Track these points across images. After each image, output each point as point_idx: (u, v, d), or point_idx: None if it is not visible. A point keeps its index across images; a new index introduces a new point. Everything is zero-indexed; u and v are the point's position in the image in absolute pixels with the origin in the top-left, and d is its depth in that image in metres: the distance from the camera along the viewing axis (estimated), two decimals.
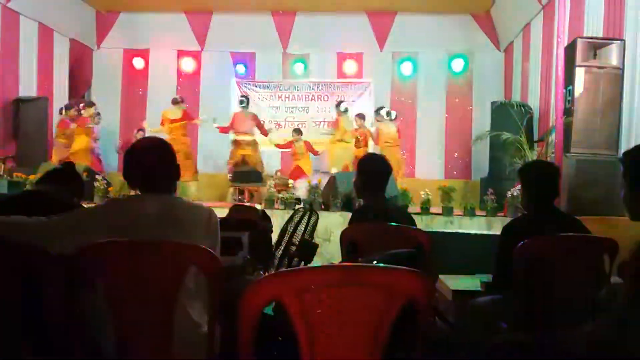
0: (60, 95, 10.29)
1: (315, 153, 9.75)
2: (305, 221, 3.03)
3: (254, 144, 9.39)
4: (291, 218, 3.12)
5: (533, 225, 2.78)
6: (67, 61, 10.68)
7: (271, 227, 3.12)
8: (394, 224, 2.91)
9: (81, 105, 9.34)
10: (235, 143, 9.39)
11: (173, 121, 9.18)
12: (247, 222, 2.85)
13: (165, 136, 9.05)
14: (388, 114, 9.43)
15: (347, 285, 1.38)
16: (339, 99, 10.07)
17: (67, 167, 2.88)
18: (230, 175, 8.90)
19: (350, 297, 1.39)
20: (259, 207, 6.42)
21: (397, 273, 1.43)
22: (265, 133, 9.65)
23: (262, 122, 9.79)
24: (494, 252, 2.85)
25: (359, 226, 2.91)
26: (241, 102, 9.54)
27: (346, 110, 9.58)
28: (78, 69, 11.11)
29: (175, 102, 9.31)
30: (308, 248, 2.95)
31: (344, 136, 9.37)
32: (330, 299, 1.38)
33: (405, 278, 1.42)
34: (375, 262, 2.25)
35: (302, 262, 2.92)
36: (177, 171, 2.24)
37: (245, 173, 8.75)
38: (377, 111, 9.54)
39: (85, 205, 2.87)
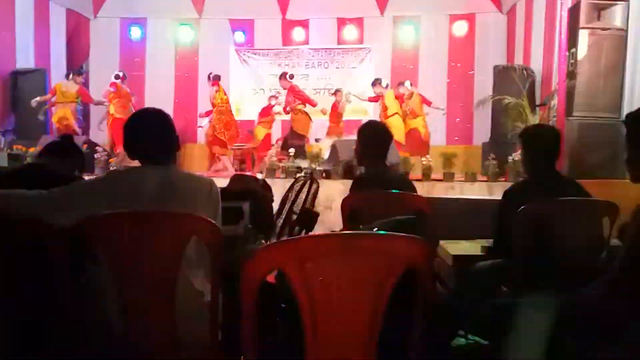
0: (57, 67, 10.21)
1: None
2: (306, 190, 3.03)
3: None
4: (292, 187, 3.12)
5: (534, 189, 2.78)
6: (64, 32, 10.58)
7: (272, 196, 3.13)
8: (394, 191, 2.92)
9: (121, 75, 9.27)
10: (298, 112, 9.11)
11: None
12: (248, 191, 2.86)
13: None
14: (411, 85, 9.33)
15: (348, 253, 1.39)
16: (376, 78, 9.68)
17: (66, 139, 2.88)
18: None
19: (351, 264, 1.40)
20: (260, 176, 6.44)
21: (397, 240, 1.44)
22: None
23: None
24: (495, 217, 2.86)
25: (360, 194, 2.91)
26: (291, 76, 9.31)
27: (387, 85, 9.36)
28: (75, 39, 11.00)
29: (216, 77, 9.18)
30: (309, 217, 2.95)
31: (393, 110, 9.09)
32: (330, 267, 1.39)
33: (405, 244, 1.43)
34: (375, 229, 2.26)
35: (303, 231, 2.93)
36: (177, 142, 2.23)
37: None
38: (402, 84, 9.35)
39: (85, 178, 2.88)
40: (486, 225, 2.99)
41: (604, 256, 2.69)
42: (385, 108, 9.09)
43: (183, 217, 1.89)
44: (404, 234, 1.43)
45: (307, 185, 3.06)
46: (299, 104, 8.96)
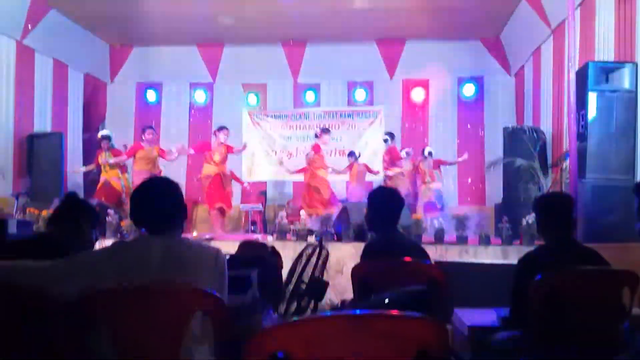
0: (74, 130, 10.41)
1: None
2: (315, 258, 2.98)
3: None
4: (301, 254, 3.07)
5: (550, 257, 2.71)
6: (82, 96, 10.85)
7: (281, 263, 3.07)
8: (406, 258, 2.85)
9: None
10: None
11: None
12: (256, 259, 2.81)
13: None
14: (430, 153, 9.47)
15: (356, 336, 1.33)
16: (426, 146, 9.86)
17: (70, 199, 2.84)
18: None
19: (360, 346, 1.33)
20: (270, 238, 6.39)
21: (408, 321, 1.37)
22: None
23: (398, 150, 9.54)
24: (511, 285, 2.77)
25: (370, 262, 2.85)
26: (385, 140, 9.42)
27: (430, 153, 9.47)
28: (92, 103, 11.27)
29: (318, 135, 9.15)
30: (318, 286, 2.88)
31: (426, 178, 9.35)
32: (338, 349, 1.33)
33: (416, 326, 1.36)
34: (386, 300, 2.19)
35: (312, 302, 2.86)
36: (184, 211, 2.21)
37: None
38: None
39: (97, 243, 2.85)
40: (502, 291, 2.90)
41: (626, 327, 2.59)
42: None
43: (187, 291, 1.84)
44: (414, 314, 1.37)
45: (316, 253, 3.01)
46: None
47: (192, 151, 9.10)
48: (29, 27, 8.89)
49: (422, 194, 9.22)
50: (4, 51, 8.68)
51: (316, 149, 9.07)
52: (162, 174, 8.37)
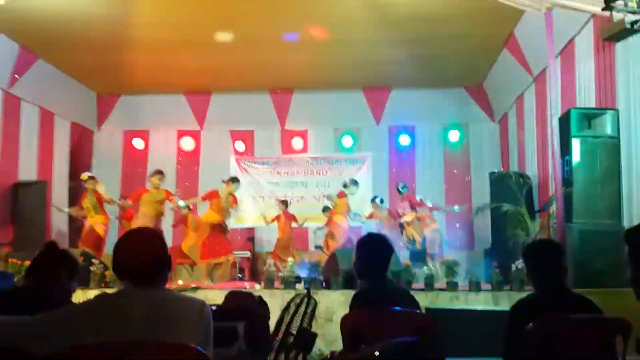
0: (60, 178, 10.30)
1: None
2: (303, 308, 2.91)
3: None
4: (288, 305, 3.00)
5: (541, 306, 2.67)
6: (68, 144, 10.81)
7: (269, 313, 3.00)
8: (396, 307, 2.80)
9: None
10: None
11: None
12: (243, 310, 2.74)
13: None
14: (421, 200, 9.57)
15: None
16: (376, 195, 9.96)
17: (50, 249, 2.75)
18: None
19: None
20: (258, 287, 6.28)
21: None
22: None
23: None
24: (502, 333, 2.72)
25: (360, 312, 2.79)
26: (402, 188, 9.60)
27: (382, 201, 9.64)
28: (78, 151, 11.22)
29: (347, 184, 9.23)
30: (306, 338, 2.81)
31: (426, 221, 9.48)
32: None
33: None
34: (377, 353, 2.13)
35: (301, 353, 2.78)
36: (168, 263, 2.15)
37: None
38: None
39: (78, 292, 2.76)
40: (494, 339, 2.85)
41: None
42: None
43: (168, 347, 1.77)
44: None
45: (303, 304, 2.94)
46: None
47: (199, 200, 8.95)
48: (16, 77, 8.90)
49: (430, 240, 9.20)
50: None
51: (340, 194, 9.12)
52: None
